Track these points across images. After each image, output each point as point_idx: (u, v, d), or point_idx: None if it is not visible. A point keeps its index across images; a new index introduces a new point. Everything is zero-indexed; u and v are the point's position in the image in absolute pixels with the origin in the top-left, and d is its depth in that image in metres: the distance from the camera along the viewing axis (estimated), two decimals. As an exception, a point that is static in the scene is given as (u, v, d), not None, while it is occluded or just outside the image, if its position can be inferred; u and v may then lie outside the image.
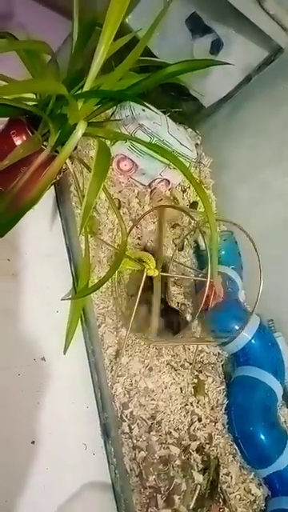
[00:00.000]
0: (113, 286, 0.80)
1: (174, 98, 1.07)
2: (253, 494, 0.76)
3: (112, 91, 0.62)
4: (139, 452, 0.67)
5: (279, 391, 0.85)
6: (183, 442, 0.73)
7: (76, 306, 0.71)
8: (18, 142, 0.62)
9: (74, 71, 0.62)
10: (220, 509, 0.70)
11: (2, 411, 0.60)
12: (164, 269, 0.79)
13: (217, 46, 0.99)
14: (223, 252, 0.91)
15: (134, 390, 0.72)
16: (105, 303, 0.77)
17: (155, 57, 0.98)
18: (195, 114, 1.15)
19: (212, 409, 0.81)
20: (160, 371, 0.77)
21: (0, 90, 0.47)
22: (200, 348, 0.87)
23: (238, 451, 0.79)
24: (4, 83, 0.60)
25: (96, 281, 0.74)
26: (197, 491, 0.69)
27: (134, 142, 0.90)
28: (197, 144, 1.17)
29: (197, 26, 0.98)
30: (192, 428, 0.75)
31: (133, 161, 0.93)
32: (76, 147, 0.57)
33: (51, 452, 0.61)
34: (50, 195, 0.82)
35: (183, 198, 1.05)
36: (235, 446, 0.79)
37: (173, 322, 0.81)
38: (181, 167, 0.62)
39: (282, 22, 0.90)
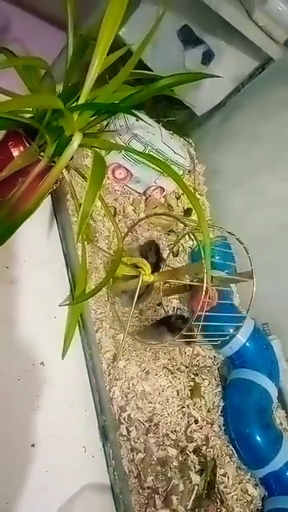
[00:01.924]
0: (109, 292, 0.81)
1: (166, 107, 1.10)
2: (249, 494, 0.78)
3: (106, 104, 0.64)
4: (137, 454, 0.68)
5: (274, 393, 0.87)
6: (180, 444, 0.74)
7: (74, 312, 0.73)
8: (15, 153, 0.64)
9: (70, 84, 0.64)
10: (217, 509, 0.72)
11: (2, 415, 0.61)
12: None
13: (208, 57, 1.01)
14: (217, 257, 0.93)
15: (131, 393, 0.73)
16: (102, 308, 0.79)
17: (148, 68, 1.01)
18: (188, 122, 1.18)
19: (208, 411, 0.82)
20: (157, 374, 0.79)
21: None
22: (196, 351, 0.88)
23: (235, 452, 0.81)
24: (3, 96, 0.63)
25: (93, 287, 0.76)
26: (194, 492, 0.70)
27: (128, 151, 0.92)
28: (189, 152, 1.19)
29: (188, 38, 1.01)
30: (189, 430, 0.77)
31: (127, 169, 0.95)
32: (72, 157, 0.59)
33: (51, 455, 0.63)
34: (47, 204, 0.84)
35: (177, 205, 1.07)
36: (231, 447, 0.81)
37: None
38: (173, 175, 0.64)
39: (270, 33, 0.93)
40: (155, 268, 0.80)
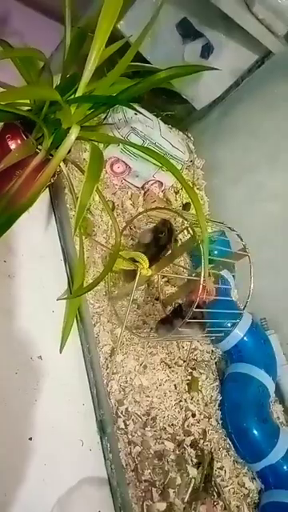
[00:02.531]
0: (107, 286, 0.81)
1: (165, 101, 1.09)
2: (246, 488, 0.78)
3: (104, 96, 0.64)
4: (134, 447, 0.69)
5: (271, 387, 0.87)
6: (178, 437, 0.75)
7: (71, 306, 0.73)
8: (12, 145, 0.64)
9: (67, 77, 0.64)
10: (214, 502, 0.72)
11: (0, 408, 0.61)
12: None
13: (207, 50, 1.01)
14: (215, 252, 0.93)
15: (128, 387, 0.73)
16: (99, 303, 0.79)
17: (147, 61, 1.00)
18: (187, 116, 1.17)
19: (206, 405, 0.82)
20: (154, 369, 0.79)
21: (-4, 97, 0.49)
22: (194, 346, 0.88)
23: (232, 446, 0.81)
24: (0, 89, 0.62)
25: (91, 281, 0.76)
26: (191, 485, 0.70)
27: (126, 145, 0.91)
28: (189, 146, 1.18)
29: (187, 31, 1.00)
30: (186, 423, 0.77)
31: (126, 163, 0.95)
32: (70, 150, 0.58)
33: (48, 448, 0.63)
34: (44, 197, 0.83)
35: (176, 200, 1.07)
36: (229, 440, 0.81)
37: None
38: (172, 170, 0.64)
39: (270, 27, 0.92)
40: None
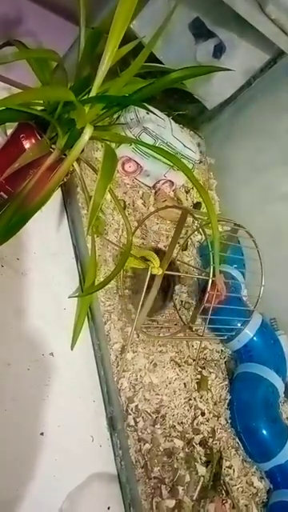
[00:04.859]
0: (118, 284, 0.82)
1: (177, 100, 1.09)
2: (255, 487, 0.78)
3: (117, 96, 0.64)
4: (144, 444, 0.69)
5: (281, 387, 0.87)
6: (187, 436, 0.75)
7: (83, 304, 0.74)
8: (27, 145, 0.64)
9: (81, 77, 0.64)
10: (223, 500, 0.72)
11: (12, 404, 0.62)
12: (170, 267, 0.81)
13: (219, 50, 1.01)
14: (227, 251, 0.93)
15: (139, 384, 0.74)
16: (111, 301, 0.80)
17: (160, 61, 1.01)
18: (198, 116, 1.18)
19: (215, 404, 0.83)
20: (164, 367, 0.79)
21: (11, 97, 0.49)
22: (203, 345, 0.89)
23: (241, 445, 0.81)
24: (15, 89, 0.63)
25: (102, 279, 0.77)
26: (200, 483, 0.71)
27: (138, 145, 0.92)
28: (199, 144, 1.19)
29: (200, 31, 1.00)
30: (195, 422, 0.77)
31: (137, 162, 0.95)
32: (83, 150, 0.59)
33: (59, 444, 0.63)
34: (57, 196, 0.84)
35: (187, 199, 1.08)
36: (238, 440, 0.81)
37: None
38: (183, 169, 0.64)
39: (283, 27, 0.92)
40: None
